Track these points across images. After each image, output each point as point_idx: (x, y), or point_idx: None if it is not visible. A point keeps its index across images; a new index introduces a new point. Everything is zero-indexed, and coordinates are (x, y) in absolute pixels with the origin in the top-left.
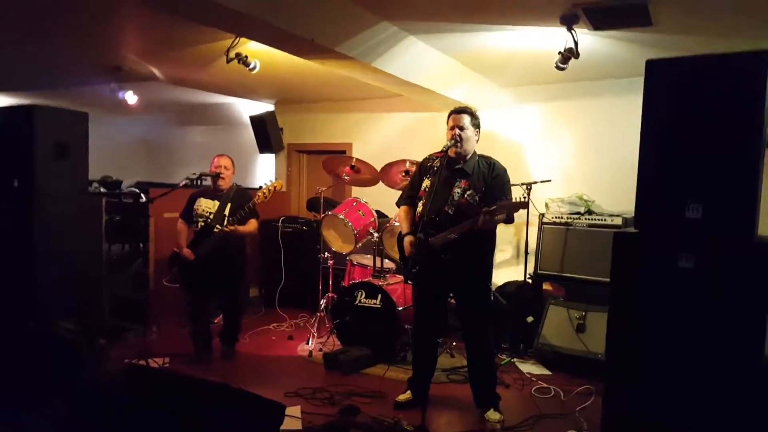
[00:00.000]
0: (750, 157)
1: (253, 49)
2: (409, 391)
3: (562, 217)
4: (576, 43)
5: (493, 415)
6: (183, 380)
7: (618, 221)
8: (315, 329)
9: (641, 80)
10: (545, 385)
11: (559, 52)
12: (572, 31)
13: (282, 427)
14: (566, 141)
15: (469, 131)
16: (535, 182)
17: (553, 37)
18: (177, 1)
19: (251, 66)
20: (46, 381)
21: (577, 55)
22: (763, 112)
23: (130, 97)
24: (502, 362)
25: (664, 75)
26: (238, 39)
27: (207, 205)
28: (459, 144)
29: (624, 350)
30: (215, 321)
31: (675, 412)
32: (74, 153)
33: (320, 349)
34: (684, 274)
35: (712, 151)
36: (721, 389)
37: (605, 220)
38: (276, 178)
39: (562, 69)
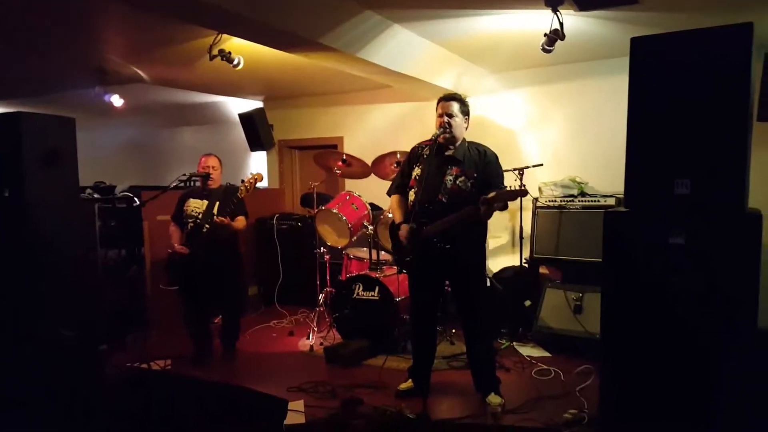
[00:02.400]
0: (737, 130)
1: (237, 44)
2: (410, 380)
3: (555, 201)
4: (561, 25)
5: (494, 398)
6: (186, 381)
7: (611, 202)
8: (315, 324)
9: (627, 60)
10: (545, 367)
11: (545, 34)
12: (557, 12)
13: (286, 422)
14: (557, 124)
15: (458, 118)
16: (527, 167)
17: (539, 20)
18: None
19: (235, 62)
20: (48, 387)
21: (562, 37)
22: (749, 83)
23: (116, 100)
24: (502, 346)
25: (649, 52)
26: (220, 36)
27: (196, 205)
28: (448, 131)
29: (618, 328)
30: (215, 321)
31: (671, 385)
32: (63, 159)
33: (321, 344)
34: (675, 250)
35: (700, 126)
36: (716, 361)
37: (599, 201)
38: (267, 175)
39: (549, 51)
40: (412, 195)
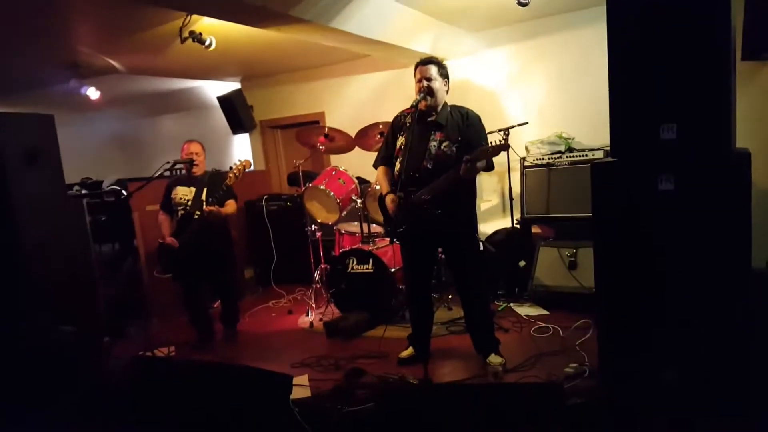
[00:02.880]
0: (720, 71)
1: (207, 25)
2: (410, 347)
3: (543, 159)
4: None
5: (494, 359)
6: (192, 366)
7: (599, 155)
8: (312, 301)
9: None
10: (543, 325)
11: None
12: None
13: (292, 396)
14: (540, 80)
15: (438, 82)
16: (513, 126)
17: None
18: None
19: (207, 43)
20: (51, 385)
21: None
22: (729, 23)
23: (93, 93)
24: (500, 308)
25: None
26: (189, 17)
27: (184, 193)
28: (429, 96)
29: (612, 280)
30: (214, 306)
31: (668, 332)
32: (46, 157)
33: (320, 319)
34: (665, 196)
35: (682, 69)
36: (711, 303)
37: (586, 155)
38: (252, 157)
39: (525, 5)
40: (398, 165)
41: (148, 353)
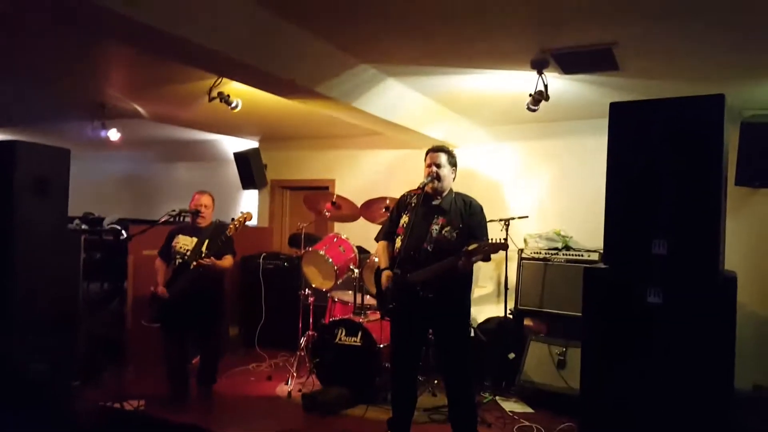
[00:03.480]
0: (712, 194)
1: (235, 88)
2: None
3: (540, 253)
4: (546, 86)
5: None
6: (157, 424)
7: (595, 257)
8: (294, 369)
9: None
10: (527, 424)
11: (530, 95)
12: (542, 75)
13: None
14: (542, 178)
15: (446, 169)
16: (513, 218)
17: (525, 80)
18: (159, 42)
19: (233, 105)
20: (17, 423)
21: (547, 98)
22: (722, 150)
23: (114, 135)
24: (485, 400)
25: (627, 117)
26: (221, 79)
27: (185, 242)
28: (436, 181)
29: (598, 384)
30: (192, 362)
31: None
32: (55, 189)
33: (299, 390)
34: (653, 309)
35: (676, 189)
36: (694, 420)
37: (582, 255)
38: (257, 214)
39: (534, 110)
40: (398, 242)
41: (116, 404)
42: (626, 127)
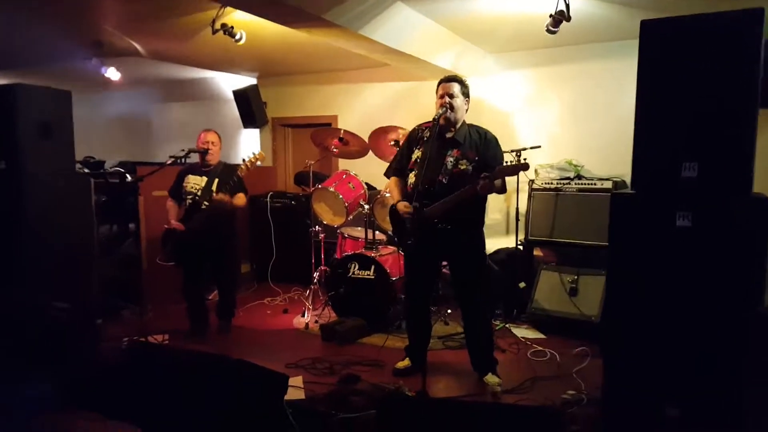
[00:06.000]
0: (745, 115)
1: (238, 19)
2: (407, 359)
3: (551, 183)
4: (567, 6)
5: (491, 378)
6: (187, 355)
7: (608, 185)
8: (309, 302)
9: (630, 43)
10: (541, 348)
11: (551, 15)
12: None
13: (286, 398)
14: (554, 107)
15: (459, 99)
16: (524, 148)
17: (543, 0)
18: None
19: (237, 37)
20: (42, 361)
21: (568, 18)
22: (758, 69)
23: (113, 74)
24: (497, 327)
25: (659, 35)
26: (223, 9)
27: (195, 182)
28: (450, 111)
29: (624, 312)
30: (209, 297)
31: (677, 369)
32: (59, 133)
33: (316, 321)
34: (682, 233)
35: (708, 110)
36: (722, 342)
37: (595, 184)
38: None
39: (554, 32)
40: (412, 177)
41: (142, 339)
42: (658, 45)
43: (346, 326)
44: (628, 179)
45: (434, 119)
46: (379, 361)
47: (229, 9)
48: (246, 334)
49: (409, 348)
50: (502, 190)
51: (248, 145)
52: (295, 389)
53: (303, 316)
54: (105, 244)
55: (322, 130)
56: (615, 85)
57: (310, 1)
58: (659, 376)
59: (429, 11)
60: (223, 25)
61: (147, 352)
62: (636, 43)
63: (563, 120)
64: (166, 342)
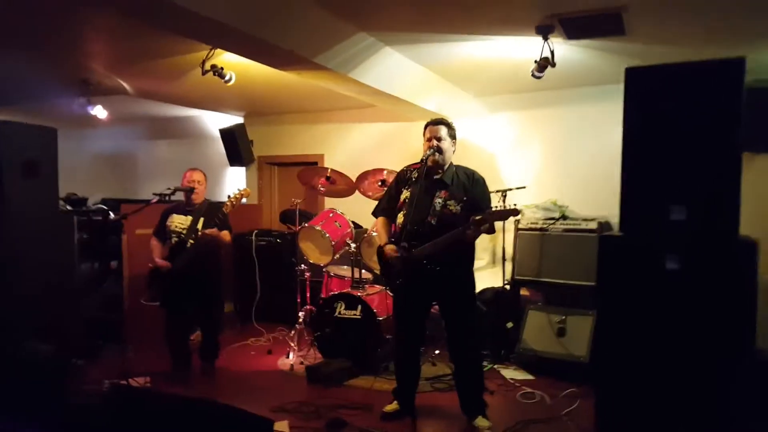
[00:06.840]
0: (730, 159)
1: (227, 60)
2: (395, 402)
3: (537, 223)
4: (552, 53)
5: (482, 422)
6: (169, 399)
7: (593, 225)
8: (295, 342)
9: (613, 87)
10: (530, 390)
11: (536, 61)
12: (548, 40)
13: None
14: (539, 148)
15: (447, 142)
16: (510, 189)
17: (527, 47)
18: (154, 10)
19: (227, 78)
20: (22, 403)
21: (553, 64)
22: (740, 114)
23: (100, 112)
24: (485, 368)
25: (644, 81)
26: (213, 50)
27: (180, 221)
28: (437, 154)
29: (614, 353)
30: (192, 338)
31: (669, 411)
32: (44, 170)
33: (301, 363)
34: (671, 275)
35: (693, 154)
36: (714, 385)
37: (580, 224)
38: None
39: (539, 77)
40: (400, 217)
41: (123, 381)
42: (642, 91)
43: (332, 368)
44: (612, 220)
45: (422, 160)
46: (366, 405)
47: (218, 50)
48: (230, 376)
49: (398, 391)
50: (491, 231)
51: (234, 183)
52: None
53: (288, 357)
54: (87, 283)
55: (309, 169)
56: (598, 128)
57: (301, 44)
58: (651, 419)
59: (416, 56)
60: (213, 66)
61: (128, 396)
62: (618, 87)
63: (548, 161)
64: (148, 384)
